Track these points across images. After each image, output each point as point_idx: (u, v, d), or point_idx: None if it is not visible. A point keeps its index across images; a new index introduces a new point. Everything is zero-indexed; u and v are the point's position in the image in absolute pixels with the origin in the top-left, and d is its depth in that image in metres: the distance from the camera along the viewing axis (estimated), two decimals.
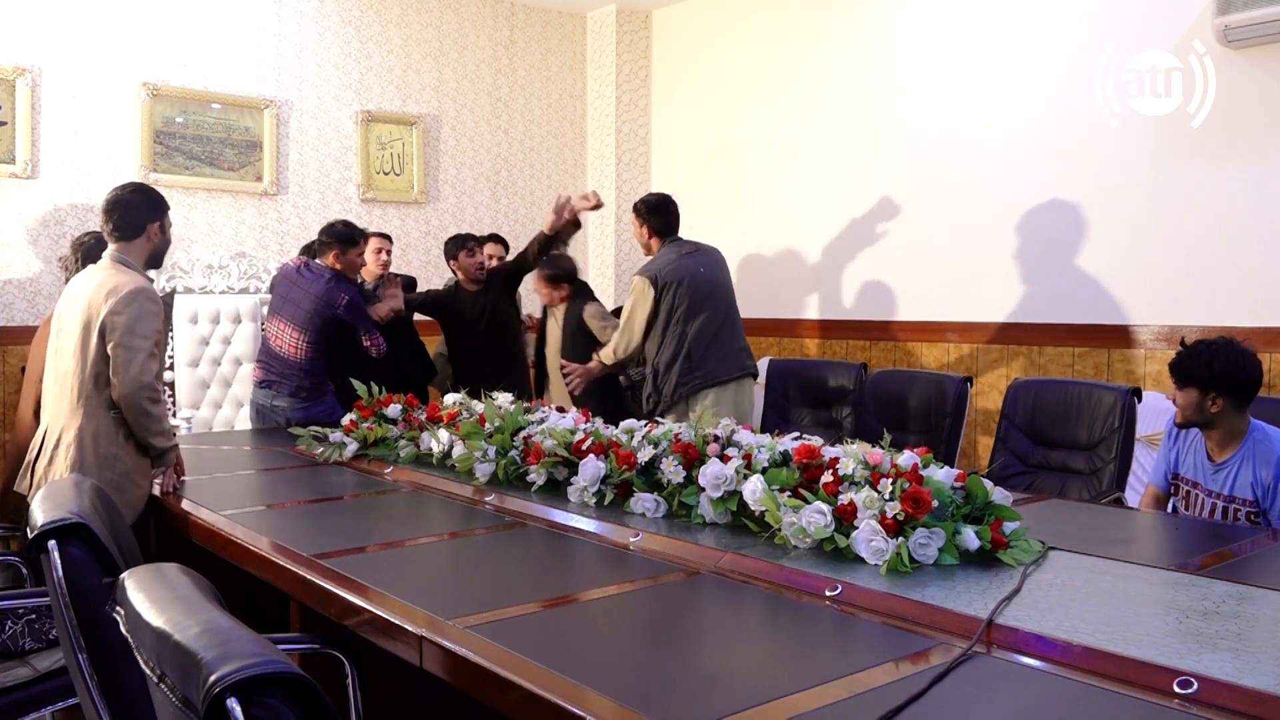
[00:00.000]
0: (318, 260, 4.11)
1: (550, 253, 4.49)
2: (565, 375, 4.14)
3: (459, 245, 4.62)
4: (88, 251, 3.52)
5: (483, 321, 4.61)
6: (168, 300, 3.08)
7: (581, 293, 4.61)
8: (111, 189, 2.88)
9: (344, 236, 4.11)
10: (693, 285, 3.83)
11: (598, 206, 4.39)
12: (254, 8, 5.16)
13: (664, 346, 3.82)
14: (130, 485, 2.72)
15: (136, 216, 2.83)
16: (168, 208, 2.92)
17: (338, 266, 4.08)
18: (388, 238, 4.70)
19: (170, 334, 4.86)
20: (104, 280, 2.75)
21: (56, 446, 2.73)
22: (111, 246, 2.84)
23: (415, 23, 5.70)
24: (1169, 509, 2.87)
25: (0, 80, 4.49)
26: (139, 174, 4.80)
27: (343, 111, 5.47)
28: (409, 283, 4.88)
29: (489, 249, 4.94)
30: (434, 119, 5.77)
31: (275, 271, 4.07)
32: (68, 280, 3.53)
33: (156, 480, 2.82)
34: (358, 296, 4.15)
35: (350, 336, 4.40)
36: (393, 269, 4.88)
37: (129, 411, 2.69)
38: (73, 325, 2.75)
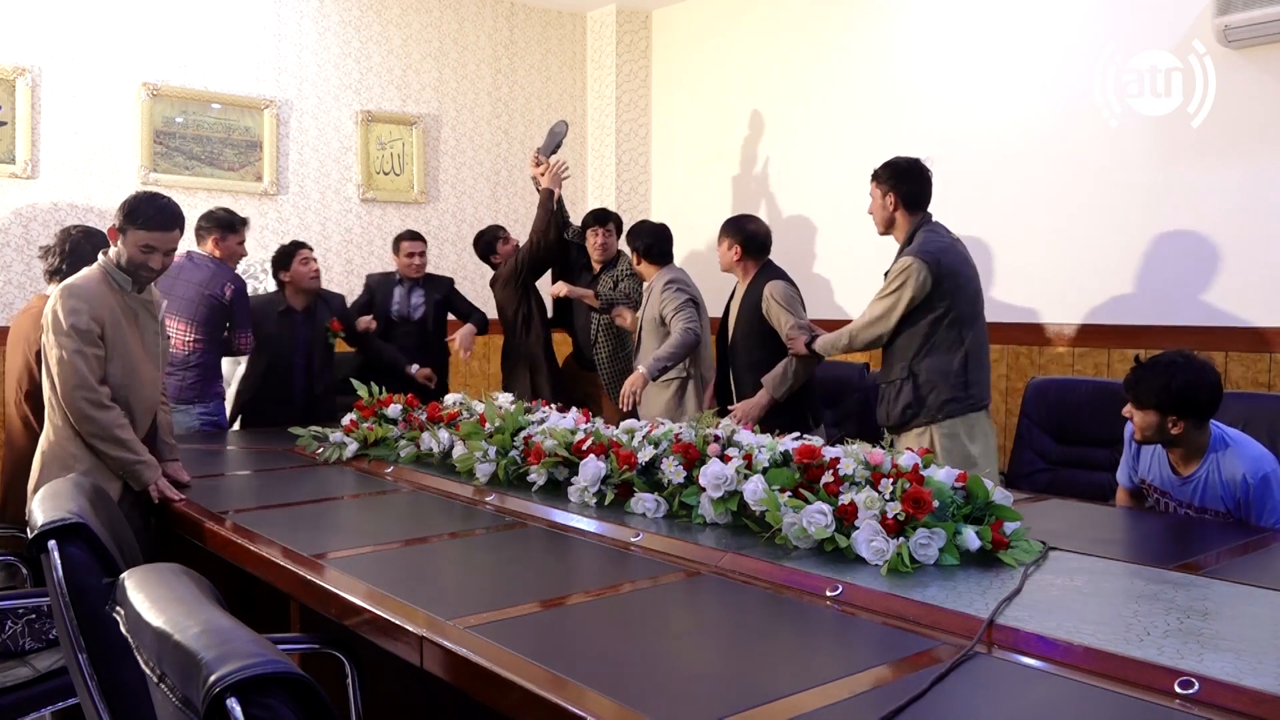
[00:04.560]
0: (197, 249, 4.05)
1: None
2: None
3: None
4: (74, 244, 3.45)
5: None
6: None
7: (770, 266, 3.85)
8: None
9: (224, 222, 4.03)
10: (970, 278, 3.22)
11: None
12: (254, 8, 5.16)
13: (935, 349, 3.16)
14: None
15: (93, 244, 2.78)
16: (140, 224, 2.63)
17: (218, 254, 4.02)
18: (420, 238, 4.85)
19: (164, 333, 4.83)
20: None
21: (33, 458, 2.70)
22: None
23: (415, 23, 5.70)
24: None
25: (0, 80, 4.49)
26: (139, 174, 4.80)
27: (343, 111, 5.47)
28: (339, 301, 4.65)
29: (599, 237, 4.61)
30: (434, 119, 5.77)
31: None
32: (45, 273, 3.45)
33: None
34: (244, 286, 4.07)
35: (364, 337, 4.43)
36: (391, 269, 4.88)
37: (72, 417, 2.57)
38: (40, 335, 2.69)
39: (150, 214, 2.64)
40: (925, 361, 3.17)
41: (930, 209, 3.35)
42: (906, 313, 3.16)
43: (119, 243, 2.67)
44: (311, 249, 4.36)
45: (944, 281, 3.13)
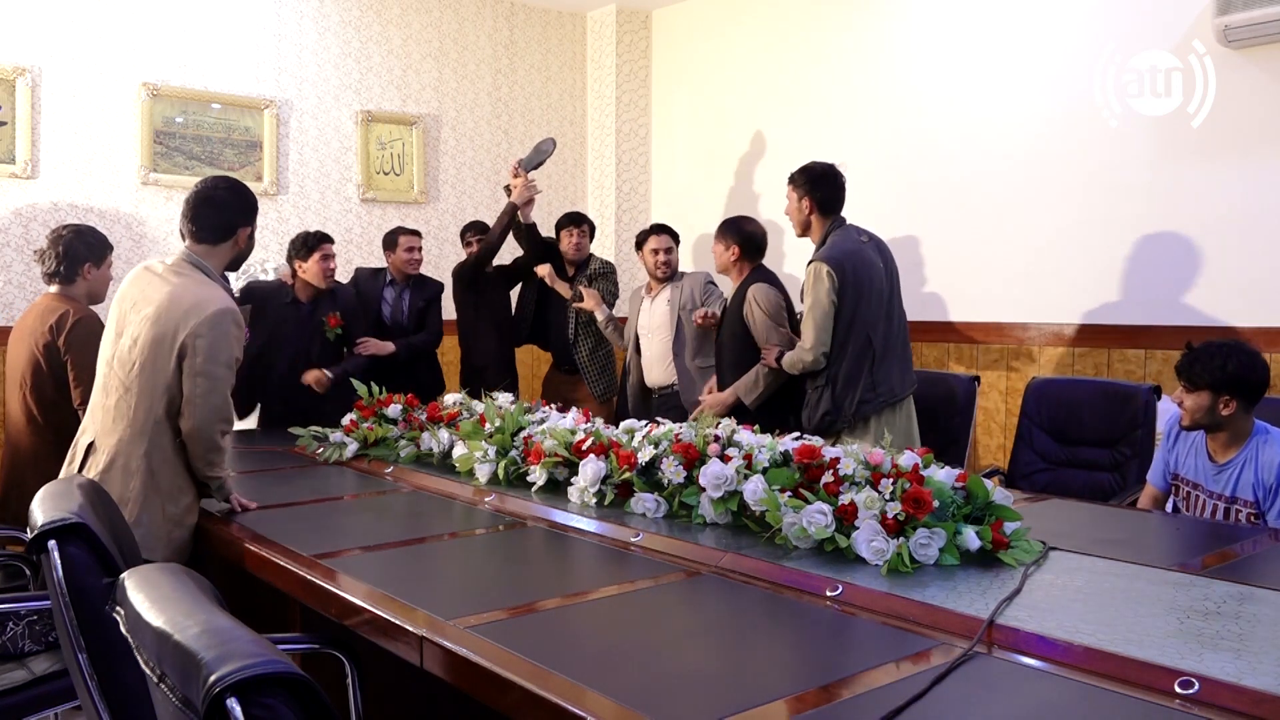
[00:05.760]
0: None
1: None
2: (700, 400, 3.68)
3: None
4: (67, 244, 3.39)
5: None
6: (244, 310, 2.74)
7: (761, 270, 3.79)
8: (198, 182, 2.52)
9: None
10: (874, 280, 3.28)
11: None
12: (254, 8, 5.16)
13: (848, 355, 3.23)
14: (188, 521, 2.45)
15: (227, 218, 2.47)
16: (257, 210, 2.60)
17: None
18: (416, 234, 4.69)
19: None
20: (181, 291, 2.39)
21: (110, 468, 2.39)
22: (189, 247, 2.48)
23: (415, 23, 5.70)
24: (1169, 509, 2.87)
25: (0, 80, 4.49)
26: (139, 174, 4.80)
27: (343, 111, 5.47)
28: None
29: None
30: (434, 119, 5.77)
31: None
32: (44, 275, 3.45)
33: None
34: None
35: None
36: (378, 266, 4.85)
37: (197, 443, 2.39)
38: (141, 335, 2.38)
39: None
40: (841, 368, 3.26)
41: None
42: (837, 312, 3.23)
43: (242, 242, 2.54)
44: (333, 244, 4.17)
45: (847, 287, 3.22)
